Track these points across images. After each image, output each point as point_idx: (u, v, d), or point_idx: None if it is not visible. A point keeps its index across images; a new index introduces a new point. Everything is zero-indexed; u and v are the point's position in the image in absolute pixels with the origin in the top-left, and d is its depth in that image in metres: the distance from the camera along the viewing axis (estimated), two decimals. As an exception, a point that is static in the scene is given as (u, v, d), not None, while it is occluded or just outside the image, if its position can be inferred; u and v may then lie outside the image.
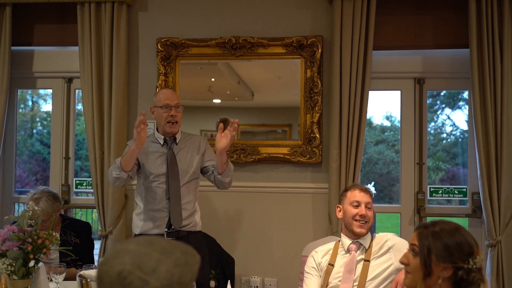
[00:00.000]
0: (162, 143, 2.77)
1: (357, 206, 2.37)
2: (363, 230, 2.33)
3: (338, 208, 2.46)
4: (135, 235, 2.80)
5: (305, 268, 2.44)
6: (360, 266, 2.30)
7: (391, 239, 2.33)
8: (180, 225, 2.68)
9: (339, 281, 2.29)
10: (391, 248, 2.30)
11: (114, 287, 0.92)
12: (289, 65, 3.39)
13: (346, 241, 2.38)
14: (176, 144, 2.77)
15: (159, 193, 2.70)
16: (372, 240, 2.36)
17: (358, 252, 2.34)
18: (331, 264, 2.36)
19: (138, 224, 2.76)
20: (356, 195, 2.40)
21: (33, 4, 3.56)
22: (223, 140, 2.54)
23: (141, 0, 3.53)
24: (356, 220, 2.35)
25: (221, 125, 2.58)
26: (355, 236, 2.35)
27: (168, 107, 2.71)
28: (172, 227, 2.68)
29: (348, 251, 2.36)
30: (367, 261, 2.30)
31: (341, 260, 2.35)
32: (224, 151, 2.57)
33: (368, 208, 2.37)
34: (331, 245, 2.45)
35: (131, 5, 3.50)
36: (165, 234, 2.68)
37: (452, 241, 1.55)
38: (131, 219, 3.47)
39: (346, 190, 2.48)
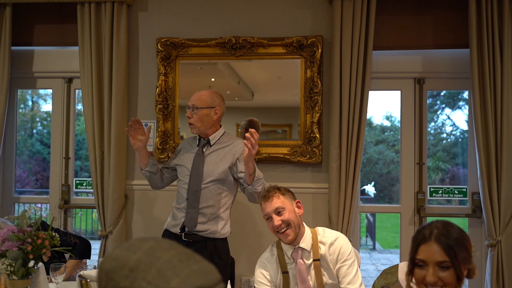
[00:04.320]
0: (197, 143, 2.77)
1: (269, 219, 2.20)
2: (289, 238, 2.17)
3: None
4: (165, 230, 2.79)
5: (256, 285, 2.25)
6: (312, 270, 2.18)
7: (336, 242, 2.19)
8: (193, 229, 2.61)
9: None
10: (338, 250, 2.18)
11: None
12: (289, 65, 3.39)
13: (287, 249, 2.23)
14: (210, 145, 2.73)
15: (183, 193, 2.69)
16: (312, 238, 2.20)
17: (304, 258, 2.21)
18: (285, 272, 2.22)
19: (168, 219, 2.79)
20: (263, 207, 2.21)
21: (33, 4, 3.56)
22: (245, 151, 2.42)
23: (141, 0, 3.53)
24: (277, 232, 2.18)
25: (245, 130, 2.53)
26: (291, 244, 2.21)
27: (187, 108, 2.75)
28: (186, 229, 2.62)
29: (293, 259, 2.22)
30: (316, 260, 2.18)
31: (291, 267, 2.23)
32: (249, 162, 2.43)
33: (279, 212, 2.17)
34: (270, 255, 2.28)
35: (131, 5, 3.50)
36: (182, 235, 2.64)
37: (463, 239, 1.57)
38: (131, 219, 3.51)
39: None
